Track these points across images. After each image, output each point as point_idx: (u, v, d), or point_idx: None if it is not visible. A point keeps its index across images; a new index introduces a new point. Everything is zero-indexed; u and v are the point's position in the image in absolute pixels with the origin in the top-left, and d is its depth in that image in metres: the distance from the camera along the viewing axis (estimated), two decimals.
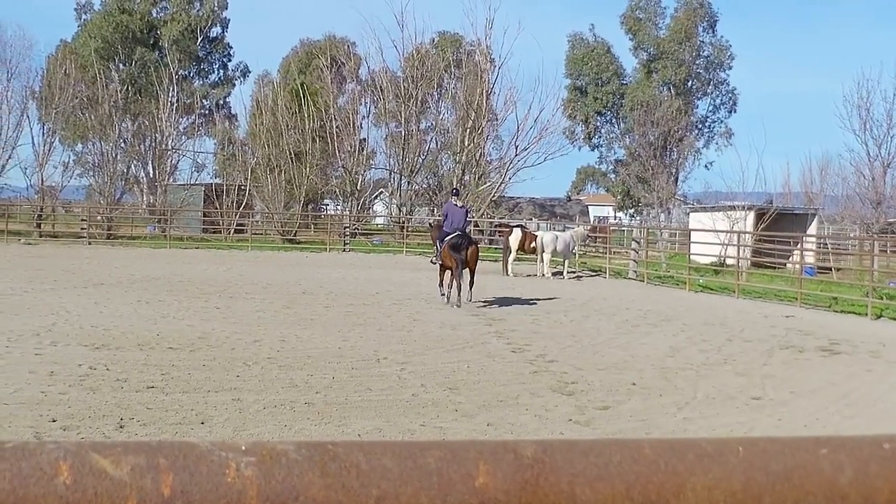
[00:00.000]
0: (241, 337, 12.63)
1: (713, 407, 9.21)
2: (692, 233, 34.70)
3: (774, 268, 29.92)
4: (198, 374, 9.83)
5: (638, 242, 30.87)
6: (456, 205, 18.72)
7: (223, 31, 66.03)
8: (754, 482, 1.06)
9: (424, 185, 51.58)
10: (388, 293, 20.25)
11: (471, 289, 18.31)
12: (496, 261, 32.59)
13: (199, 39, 63.39)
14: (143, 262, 28.32)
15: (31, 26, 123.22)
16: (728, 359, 12.43)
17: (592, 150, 62.01)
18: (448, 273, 18.23)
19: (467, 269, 18.13)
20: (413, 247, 38.79)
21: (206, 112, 61.29)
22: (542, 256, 27.83)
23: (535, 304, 19.34)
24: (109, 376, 9.50)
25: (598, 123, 60.97)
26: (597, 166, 62.61)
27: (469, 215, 20.20)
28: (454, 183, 46.71)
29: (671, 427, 8.28)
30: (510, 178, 49.22)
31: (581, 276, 29.42)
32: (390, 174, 52.23)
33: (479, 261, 19.02)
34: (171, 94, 54.55)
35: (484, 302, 19.36)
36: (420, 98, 50.13)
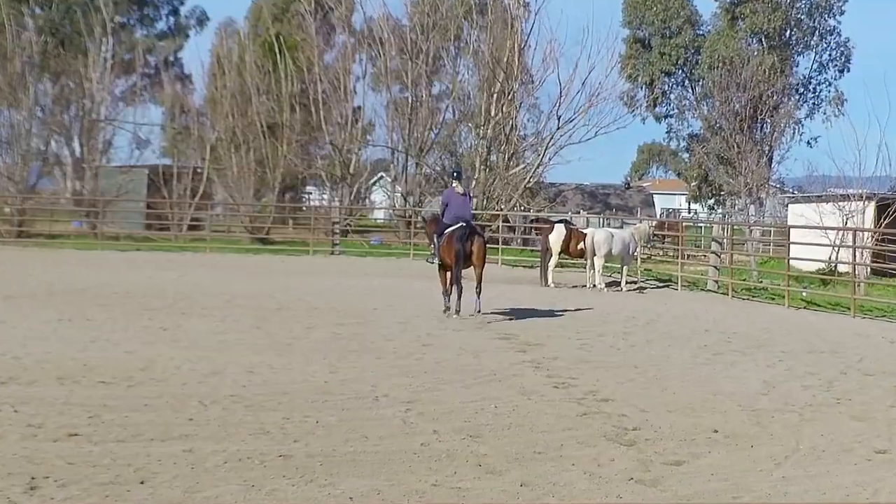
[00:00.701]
0: (196, 367, 12.74)
1: (822, 462, 9.21)
2: (791, 230, 34.42)
3: None
4: (137, 416, 9.85)
5: (719, 243, 30.74)
6: (457, 192, 19.57)
7: None
8: None
9: (438, 168, 51.43)
10: (391, 309, 20.48)
11: (478, 296, 19.04)
12: (532, 267, 32.94)
13: None
14: (66, 267, 28.40)
15: None
16: (842, 398, 12.38)
17: (659, 121, 62.09)
18: (450, 274, 19.12)
19: (471, 268, 19.13)
20: (422, 248, 38.57)
21: (151, 72, 60.95)
22: (593, 261, 27.83)
23: (584, 323, 19.36)
24: (18, 420, 9.51)
25: (667, 87, 60.87)
26: (664, 143, 62.47)
27: (473, 204, 20.91)
28: (476, 164, 46.55)
29: (766, 489, 8.26)
30: (551, 159, 48.78)
31: (644, 288, 29.55)
32: (393, 153, 52.15)
33: (486, 259, 19.61)
34: (104, 48, 54.43)
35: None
36: (432, 54, 50.02)
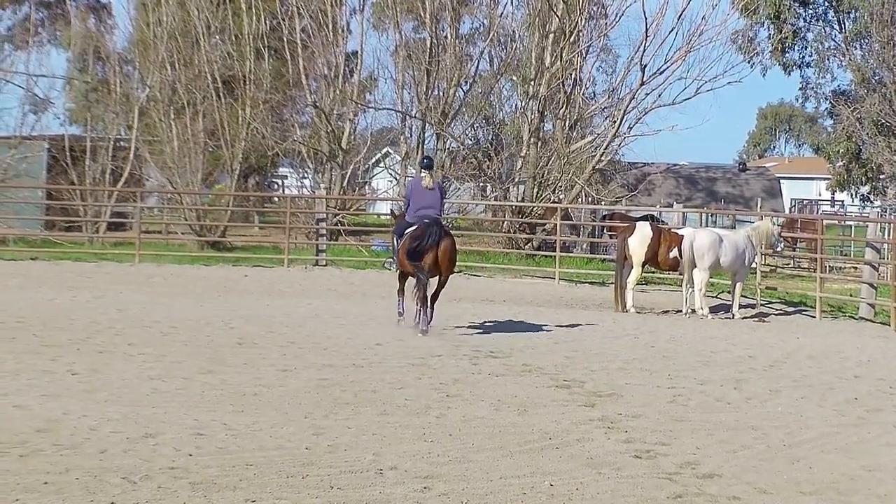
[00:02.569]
0: (121, 428, 11.41)
1: None
2: None
3: None
4: (34, 500, 8.82)
5: (877, 250, 28.04)
6: (426, 186, 19.41)
7: None
8: None
9: (470, 142, 46.38)
10: (401, 344, 18.50)
11: (432, 306, 19.22)
12: (604, 283, 30.46)
13: None
14: None
15: None
16: None
17: (788, 73, 55.97)
18: (412, 282, 19.34)
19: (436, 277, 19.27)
20: None
21: (51, 1, 55.09)
22: (692, 276, 25.14)
23: (679, 365, 17.53)
24: None
25: (800, 23, 54.31)
26: (797, 104, 58.07)
27: (445, 199, 21.37)
28: (524, 136, 41.07)
29: None
30: (631, 128, 42.48)
31: (767, 314, 27.07)
32: (404, 120, 46.58)
33: (456, 263, 19.83)
34: None
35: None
36: None
